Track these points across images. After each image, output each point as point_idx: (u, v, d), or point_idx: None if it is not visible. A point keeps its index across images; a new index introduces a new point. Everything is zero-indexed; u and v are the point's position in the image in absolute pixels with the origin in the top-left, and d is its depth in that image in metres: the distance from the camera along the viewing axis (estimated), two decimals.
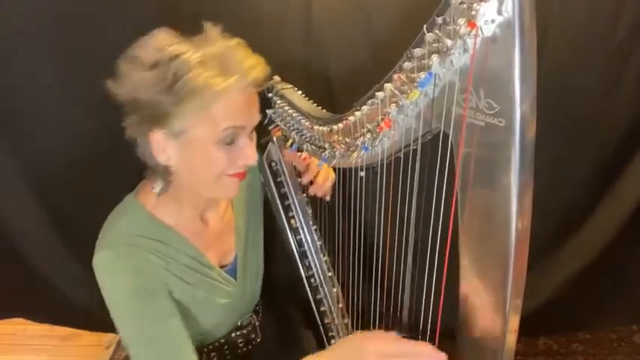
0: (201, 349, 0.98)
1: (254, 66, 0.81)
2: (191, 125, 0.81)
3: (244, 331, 1.07)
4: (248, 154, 0.86)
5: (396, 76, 0.71)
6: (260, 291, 1.12)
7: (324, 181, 1.10)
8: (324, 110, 0.96)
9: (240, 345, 1.07)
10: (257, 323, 1.10)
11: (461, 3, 0.59)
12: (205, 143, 0.82)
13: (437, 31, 0.63)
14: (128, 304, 0.86)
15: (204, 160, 0.84)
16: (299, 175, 1.10)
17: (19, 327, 1.85)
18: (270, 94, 1.01)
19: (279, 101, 0.99)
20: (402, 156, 0.78)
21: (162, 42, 0.80)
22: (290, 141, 1.01)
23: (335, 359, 0.83)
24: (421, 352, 0.77)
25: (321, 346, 1.09)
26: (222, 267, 1.01)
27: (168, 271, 0.89)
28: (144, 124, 0.83)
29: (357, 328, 1.09)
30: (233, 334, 1.05)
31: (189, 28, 1.26)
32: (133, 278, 0.85)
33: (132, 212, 0.91)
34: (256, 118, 0.88)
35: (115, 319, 0.87)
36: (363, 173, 0.85)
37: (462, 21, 0.59)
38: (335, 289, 1.12)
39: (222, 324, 1.03)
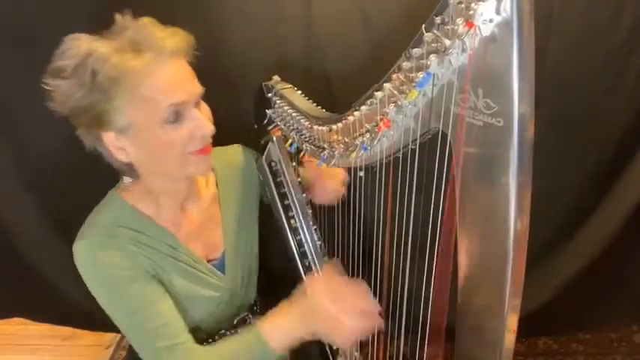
0: None
1: (167, 37, 0.81)
2: (132, 115, 0.81)
3: (239, 331, 1.07)
4: (199, 124, 0.85)
5: (394, 76, 0.71)
6: (255, 290, 1.12)
7: (331, 181, 1.09)
8: (324, 110, 0.96)
9: None
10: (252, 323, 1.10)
11: (459, 3, 0.59)
12: (153, 128, 0.82)
13: (435, 31, 0.63)
14: (107, 293, 0.88)
15: (160, 145, 0.84)
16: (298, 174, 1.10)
17: (19, 327, 1.86)
18: (269, 94, 1.01)
19: (278, 101, 0.99)
20: (400, 156, 0.78)
21: (75, 45, 0.80)
22: (289, 141, 1.01)
23: (301, 314, 0.86)
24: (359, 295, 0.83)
25: (320, 347, 1.08)
26: (209, 261, 1.02)
27: (150, 260, 0.91)
28: (91, 130, 0.84)
29: None
30: (228, 333, 1.05)
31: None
32: (110, 271, 0.87)
33: (113, 204, 0.93)
34: (196, 89, 0.86)
35: (101, 305, 0.89)
36: (362, 173, 0.86)
37: (460, 21, 0.59)
38: None
39: (214, 319, 1.03)
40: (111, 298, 0.88)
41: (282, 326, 0.87)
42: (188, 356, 0.89)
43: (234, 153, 1.11)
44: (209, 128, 0.87)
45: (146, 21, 0.83)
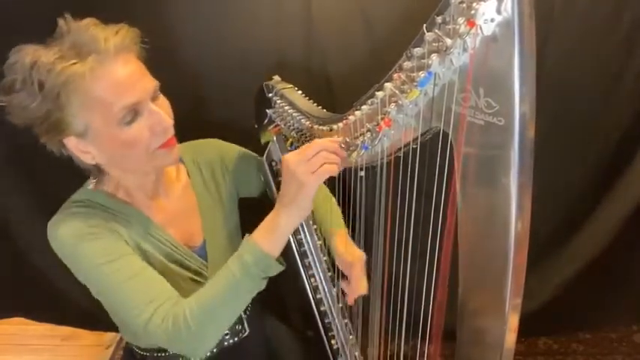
0: None
1: (110, 36, 0.79)
2: (87, 119, 0.81)
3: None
4: (158, 119, 0.84)
5: (395, 75, 0.71)
6: None
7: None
8: (324, 110, 0.96)
9: (227, 337, 1.07)
10: (244, 316, 1.10)
11: (460, 2, 0.59)
12: (111, 130, 0.82)
13: (436, 31, 0.63)
14: (76, 251, 0.86)
15: (122, 145, 0.84)
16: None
17: (19, 327, 1.86)
18: (270, 94, 1.01)
19: (279, 101, 0.99)
20: (401, 155, 0.78)
21: (19, 58, 0.79)
22: (290, 140, 1.01)
23: (283, 197, 0.85)
24: (322, 144, 0.81)
25: (321, 346, 1.08)
26: (190, 248, 1.02)
27: (127, 236, 0.90)
28: (52, 137, 0.84)
29: (356, 328, 1.09)
30: None
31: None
32: (82, 228, 0.86)
33: (87, 189, 0.94)
34: (149, 85, 0.84)
35: (79, 278, 0.89)
36: (362, 173, 0.85)
37: (461, 20, 0.59)
38: (335, 289, 1.11)
39: None
40: (80, 252, 0.86)
41: (265, 221, 0.87)
42: (173, 309, 0.85)
43: (201, 145, 1.11)
44: (168, 122, 0.86)
45: (87, 22, 0.81)
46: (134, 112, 0.82)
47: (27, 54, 0.79)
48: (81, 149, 0.85)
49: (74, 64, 0.77)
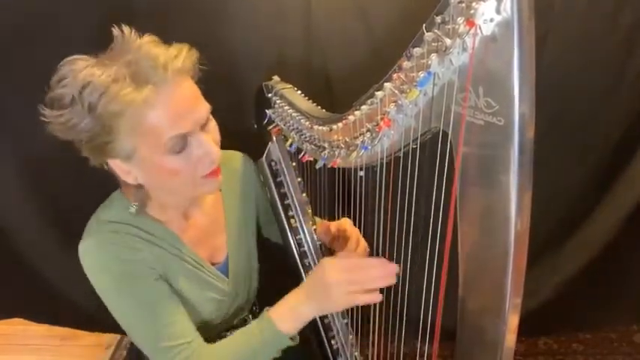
0: None
1: (170, 60, 0.76)
2: (135, 145, 0.78)
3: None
4: (207, 150, 0.82)
5: (395, 75, 0.71)
6: (255, 291, 1.12)
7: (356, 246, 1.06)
8: (324, 110, 0.96)
9: None
10: (251, 320, 1.10)
11: (460, 2, 0.59)
12: (158, 158, 0.79)
13: (436, 30, 0.63)
14: (116, 291, 0.86)
15: (168, 172, 0.81)
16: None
17: (19, 327, 1.85)
18: (269, 94, 1.01)
19: (278, 101, 0.99)
20: (401, 155, 0.78)
21: (72, 71, 0.75)
22: (289, 140, 1.01)
23: (307, 290, 0.89)
24: (372, 263, 0.85)
25: (320, 346, 1.08)
26: (213, 264, 1.01)
27: (157, 259, 0.90)
28: (96, 158, 0.82)
29: (356, 328, 1.09)
30: (228, 333, 1.05)
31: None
32: (119, 265, 0.85)
33: (117, 204, 0.91)
34: (201, 113, 0.82)
35: (107, 306, 0.88)
36: (362, 173, 0.85)
37: (460, 20, 0.59)
38: None
39: (215, 322, 1.03)
40: (119, 293, 0.86)
41: (288, 305, 0.89)
42: (193, 355, 0.88)
43: (236, 159, 1.10)
44: (215, 154, 0.83)
45: (146, 40, 0.78)
46: (183, 142, 0.79)
47: (79, 70, 0.75)
48: (124, 169, 0.83)
49: (130, 92, 0.73)
